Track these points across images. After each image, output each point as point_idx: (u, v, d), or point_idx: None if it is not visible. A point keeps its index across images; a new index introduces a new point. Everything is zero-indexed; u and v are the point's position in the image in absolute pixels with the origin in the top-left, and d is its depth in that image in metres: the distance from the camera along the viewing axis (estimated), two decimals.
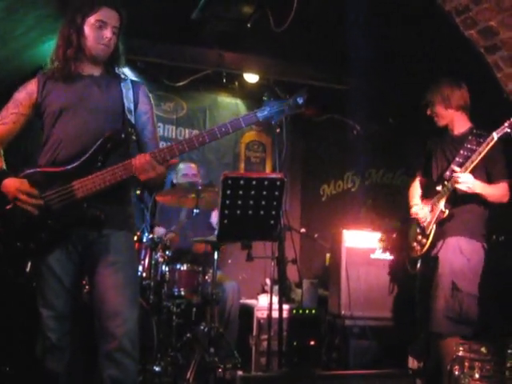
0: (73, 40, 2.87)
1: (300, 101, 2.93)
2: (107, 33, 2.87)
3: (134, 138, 2.96)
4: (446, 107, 4.05)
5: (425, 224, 4.04)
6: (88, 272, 2.85)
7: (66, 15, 2.94)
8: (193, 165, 5.65)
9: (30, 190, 2.72)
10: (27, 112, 2.92)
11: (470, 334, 3.70)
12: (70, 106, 2.87)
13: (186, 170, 5.51)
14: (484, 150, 3.70)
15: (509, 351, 2.23)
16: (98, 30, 2.87)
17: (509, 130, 3.64)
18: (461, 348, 2.33)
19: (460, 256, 3.84)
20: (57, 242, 2.76)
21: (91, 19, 2.86)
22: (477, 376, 2.18)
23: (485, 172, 3.88)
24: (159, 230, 5.09)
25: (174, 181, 5.55)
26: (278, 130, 3.68)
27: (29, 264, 2.83)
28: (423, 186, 4.32)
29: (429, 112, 4.14)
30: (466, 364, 2.21)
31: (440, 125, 4.13)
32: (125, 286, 2.78)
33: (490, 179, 3.88)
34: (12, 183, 2.74)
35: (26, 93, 2.92)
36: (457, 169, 3.80)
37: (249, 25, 5.15)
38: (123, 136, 2.84)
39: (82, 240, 2.80)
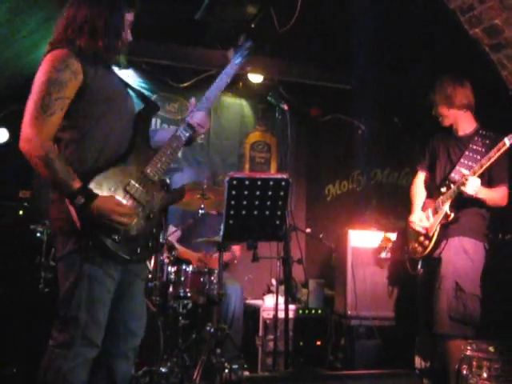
0: (121, 32, 2.68)
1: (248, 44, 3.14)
2: (129, 35, 2.77)
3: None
4: (448, 107, 4.03)
5: (428, 226, 4.02)
6: (123, 284, 2.70)
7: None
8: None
9: (127, 211, 2.52)
10: (72, 95, 2.52)
11: (474, 335, 3.70)
12: (115, 95, 2.68)
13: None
14: (495, 155, 3.67)
15: None
16: (126, 30, 2.74)
17: None
18: (468, 347, 2.32)
19: (464, 256, 3.83)
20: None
21: (128, 17, 2.71)
22: (485, 375, 2.17)
23: (486, 174, 3.86)
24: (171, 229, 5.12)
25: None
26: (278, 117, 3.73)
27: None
28: (426, 184, 4.30)
29: (433, 112, 4.13)
30: (474, 363, 2.20)
31: (445, 125, 4.12)
32: (143, 292, 2.88)
33: (490, 181, 3.87)
34: (107, 206, 2.46)
35: (71, 72, 2.49)
36: (465, 171, 3.78)
37: (253, 25, 5.15)
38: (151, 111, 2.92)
39: None
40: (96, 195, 2.44)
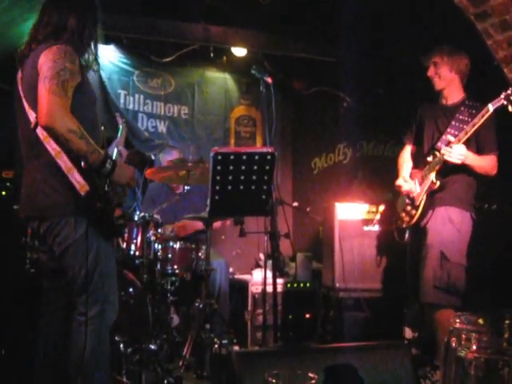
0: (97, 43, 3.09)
1: None
2: None
3: None
4: (450, 69, 4.02)
5: (414, 195, 4.03)
6: None
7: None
8: (174, 151, 5.61)
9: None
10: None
11: (459, 305, 3.73)
12: (93, 101, 2.98)
13: (168, 156, 5.48)
14: (479, 121, 3.69)
15: (506, 322, 2.22)
16: None
17: (505, 102, 3.61)
18: (457, 320, 2.33)
19: (449, 226, 3.84)
20: None
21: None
22: (474, 348, 2.17)
23: (475, 143, 3.87)
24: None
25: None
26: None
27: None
28: (414, 155, 4.29)
29: (431, 72, 4.08)
30: (463, 336, 2.20)
31: (437, 88, 4.09)
32: None
33: (479, 150, 3.87)
34: (129, 170, 2.92)
35: (78, 68, 2.82)
36: (451, 138, 3.78)
37: None
38: None
39: None
40: (116, 161, 2.82)
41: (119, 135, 3.18)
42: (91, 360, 2.77)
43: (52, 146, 2.70)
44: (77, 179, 2.69)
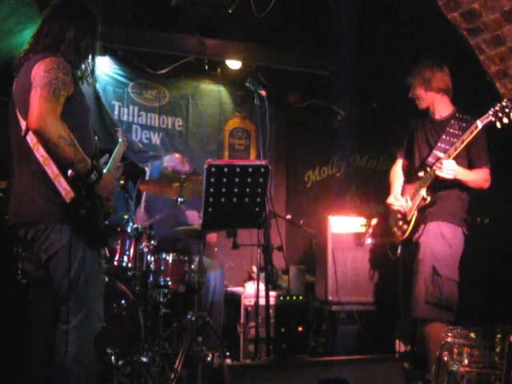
0: (94, 56, 3.12)
1: None
2: None
3: None
4: (426, 90, 4.01)
5: (406, 210, 4.03)
6: None
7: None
8: (177, 155, 5.59)
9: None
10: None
11: (451, 319, 3.73)
12: (85, 113, 2.99)
13: (167, 163, 5.46)
14: (468, 137, 3.70)
15: (498, 336, 2.23)
16: None
17: (493, 119, 3.62)
18: (449, 334, 2.33)
19: (441, 241, 3.85)
20: None
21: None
22: (466, 362, 2.18)
23: (466, 157, 3.88)
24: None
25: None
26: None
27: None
28: (405, 170, 4.30)
29: (411, 94, 4.12)
30: (455, 350, 2.20)
31: (421, 107, 4.11)
32: None
33: (471, 164, 3.88)
34: (112, 183, 2.96)
35: (71, 80, 2.85)
36: (441, 155, 3.80)
37: (230, 10, 5.10)
38: None
39: None
40: (102, 172, 2.83)
41: (116, 150, 3.22)
42: (74, 369, 2.75)
43: (40, 153, 2.72)
44: (63, 186, 2.71)
